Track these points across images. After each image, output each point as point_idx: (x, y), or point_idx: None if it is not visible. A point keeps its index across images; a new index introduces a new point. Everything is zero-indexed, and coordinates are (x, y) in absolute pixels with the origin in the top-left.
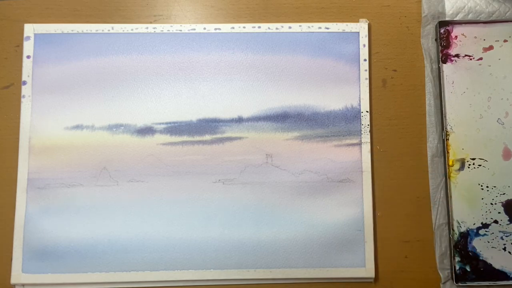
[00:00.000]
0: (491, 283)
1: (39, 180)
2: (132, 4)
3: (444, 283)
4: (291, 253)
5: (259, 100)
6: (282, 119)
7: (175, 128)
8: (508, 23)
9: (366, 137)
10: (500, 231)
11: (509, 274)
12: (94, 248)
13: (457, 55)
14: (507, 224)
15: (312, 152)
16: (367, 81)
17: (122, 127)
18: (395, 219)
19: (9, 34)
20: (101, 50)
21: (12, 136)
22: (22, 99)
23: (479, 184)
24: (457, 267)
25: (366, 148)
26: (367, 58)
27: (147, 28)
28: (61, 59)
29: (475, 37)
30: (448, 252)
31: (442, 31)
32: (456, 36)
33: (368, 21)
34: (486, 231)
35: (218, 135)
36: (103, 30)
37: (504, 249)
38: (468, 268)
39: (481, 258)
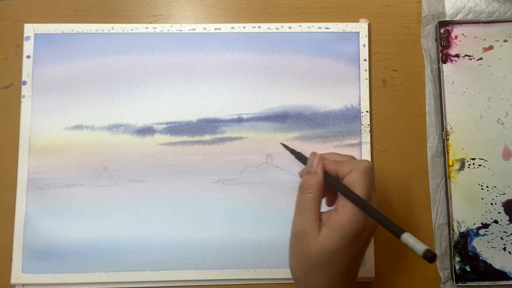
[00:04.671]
0: (491, 283)
1: (39, 180)
2: (132, 4)
3: (444, 283)
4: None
5: (259, 100)
6: (282, 119)
7: (175, 128)
8: (508, 23)
9: (366, 137)
10: (500, 231)
11: (509, 274)
12: (94, 248)
13: (457, 55)
14: (507, 224)
15: None
16: (367, 81)
17: (122, 127)
18: (395, 219)
19: (9, 34)
20: (101, 50)
21: (12, 136)
22: (22, 99)
23: (479, 184)
24: (457, 267)
25: (366, 148)
26: (367, 58)
27: (147, 28)
28: (61, 59)
29: (475, 37)
30: (448, 252)
31: (442, 31)
32: (456, 36)
33: (368, 21)
34: (486, 231)
35: (218, 135)
36: (103, 30)
37: (504, 249)
38: (468, 268)
39: (481, 258)
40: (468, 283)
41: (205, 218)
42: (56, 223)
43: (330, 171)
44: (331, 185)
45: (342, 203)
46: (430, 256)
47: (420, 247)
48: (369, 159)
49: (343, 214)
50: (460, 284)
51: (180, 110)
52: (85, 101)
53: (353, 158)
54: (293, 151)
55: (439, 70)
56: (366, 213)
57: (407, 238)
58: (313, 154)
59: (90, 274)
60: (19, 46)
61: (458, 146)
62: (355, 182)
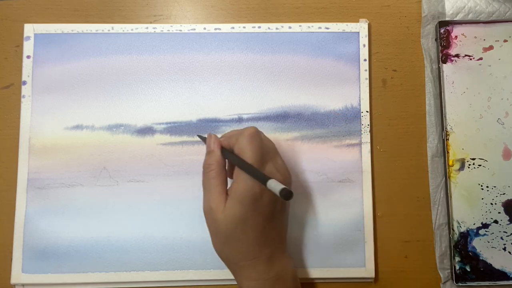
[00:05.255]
0: (491, 283)
1: (39, 180)
2: (132, 4)
3: (444, 283)
4: (291, 253)
5: (259, 100)
6: (282, 119)
7: (175, 128)
8: (508, 23)
9: (366, 137)
10: (500, 231)
11: (509, 274)
12: (94, 248)
13: (457, 55)
14: (507, 224)
15: (312, 152)
16: (367, 81)
17: (122, 127)
18: (395, 219)
19: (9, 34)
20: (101, 50)
21: (12, 136)
22: (22, 99)
23: (479, 184)
24: (457, 267)
25: (366, 148)
26: (367, 58)
27: (147, 28)
28: (61, 59)
29: (475, 37)
30: (448, 252)
31: (442, 31)
32: (456, 36)
33: (368, 21)
34: (486, 231)
35: (218, 135)
36: (103, 30)
37: (504, 249)
38: (468, 268)
39: (481, 258)
40: (468, 283)
41: None
42: (56, 223)
43: (227, 147)
44: (228, 159)
45: (236, 172)
46: (284, 193)
47: (278, 187)
48: (369, 159)
49: (238, 182)
50: (460, 284)
51: (180, 110)
52: (85, 101)
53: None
54: (202, 138)
55: (439, 70)
56: (243, 170)
57: (270, 183)
58: (209, 135)
59: (90, 274)
60: (19, 46)
61: (458, 146)
62: (242, 149)
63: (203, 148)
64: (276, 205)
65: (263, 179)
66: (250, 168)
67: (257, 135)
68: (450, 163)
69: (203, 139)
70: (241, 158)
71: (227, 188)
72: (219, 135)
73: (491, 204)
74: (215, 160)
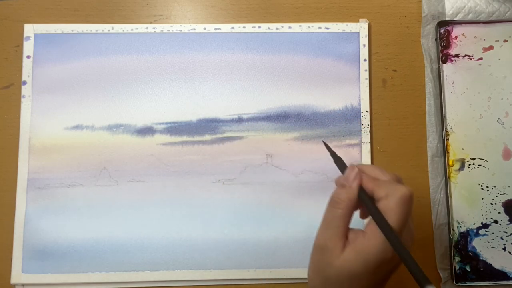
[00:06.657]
0: (491, 283)
1: (39, 180)
2: (132, 4)
3: (444, 283)
4: (291, 253)
5: (259, 100)
6: (282, 119)
7: (175, 128)
8: (508, 23)
9: (366, 137)
10: (500, 231)
11: (509, 274)
12: (94, 248)
13: (457, 55)
14: (507, 224)
15: (312, 152)
16: (367, 81)
17: (122, 127)
18: None
19: (9, 34)
20: (101, 50)
21: (12, 136)
22: (22, 99)
23: (479, 184)
24: (457, 267)
25: (366, 148)
26: (367, 58)
27: (147, 28)
28: (61, 59)
29: (475, 37)
30: (448, 252)
31: (442, 31)
32: (456, 36)
33: (368, 21)
34: (486, 231)
35: (218, 135)
36: (103, 30)
37: (504, 249)
38: (468, 268)
39: (481, 258)
40: (468, 283)
41: (205, 218)
42: (56, 223)
43: (366, 188)
44: (364, 205)
45: (372, 227)
46: None
47: None
48: (369, 159)
49: (371, 239)
50: (460, 284)
51: (180, 110)
52: (85, 101)
53: (395, 177)
54: (333, 154)
55: (439, 70)
56: (393, 248)
57: None
58: (352, 167)
59: (90, 274)
60: (19, 46)
61: (458, 146)
62: (390, 210)
63: (203, 148)
64: (392, 271)
65: (421, 281)
66: (395, 238)
67: (412, 202)
68: (450, 163)
69: (336, 158)
70: (383, 217)
71: (349, 229)
72: (218, 135)
73: (491, 204)
74: (348, 198)
